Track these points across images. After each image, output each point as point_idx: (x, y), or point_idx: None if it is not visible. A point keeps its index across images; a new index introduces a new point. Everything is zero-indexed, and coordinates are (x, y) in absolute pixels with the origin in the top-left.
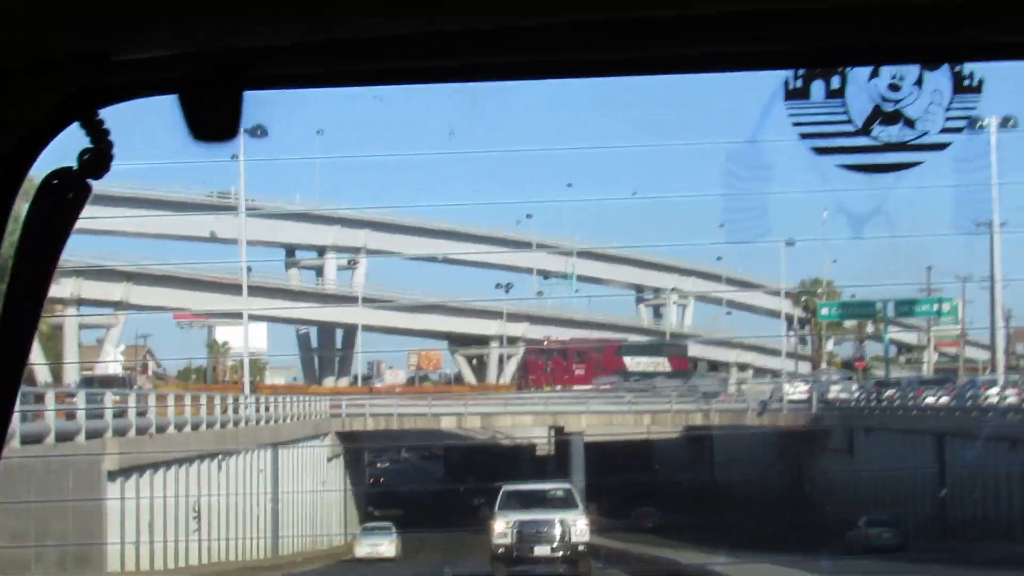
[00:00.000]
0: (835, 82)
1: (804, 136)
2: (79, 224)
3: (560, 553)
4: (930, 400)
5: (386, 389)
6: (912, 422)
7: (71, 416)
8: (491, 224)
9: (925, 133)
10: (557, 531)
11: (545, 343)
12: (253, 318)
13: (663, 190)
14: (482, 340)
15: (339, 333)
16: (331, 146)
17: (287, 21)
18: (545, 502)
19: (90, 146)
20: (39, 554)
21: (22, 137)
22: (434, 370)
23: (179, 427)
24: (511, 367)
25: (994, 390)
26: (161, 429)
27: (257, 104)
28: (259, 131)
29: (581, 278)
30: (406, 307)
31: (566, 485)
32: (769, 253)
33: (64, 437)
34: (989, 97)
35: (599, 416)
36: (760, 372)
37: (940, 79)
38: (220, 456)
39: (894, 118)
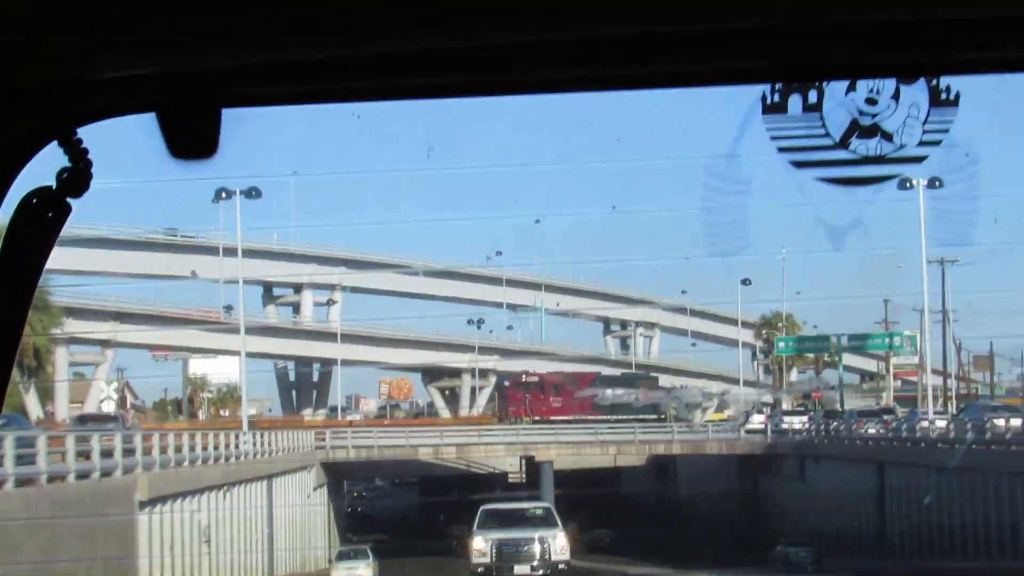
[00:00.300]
0: (812, 96)
1: (782, 150)
2: (68, 264)
3: (540, 572)
4: (872, 431)
5: (367, 423)
6: (855, 451)
7: (108, 453)
8: (463, 259)
9: (903, 146)
10: (536, 549)
11: (524, 376)
12: (243, 354)
13: (640, 206)
14: (454, 372)
15: (316, 367)
16: (309, 165)
17: (264, 42)
18: (524, 521)
19: (69, 165)
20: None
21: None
22: (405, 399)
23: (192, 462)
24: (483, 398)
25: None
26: (179, 463)
27: (235, 121)
28: (254, 192)
29: (549, 311)
30: (381, 341)
31: (545, 504)
32: (733, 285)
33: (105, 472)
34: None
35: (568, 447)
36: (726, 401)
37: (917, 93)
38: (225, 487)
39: (872, 131)
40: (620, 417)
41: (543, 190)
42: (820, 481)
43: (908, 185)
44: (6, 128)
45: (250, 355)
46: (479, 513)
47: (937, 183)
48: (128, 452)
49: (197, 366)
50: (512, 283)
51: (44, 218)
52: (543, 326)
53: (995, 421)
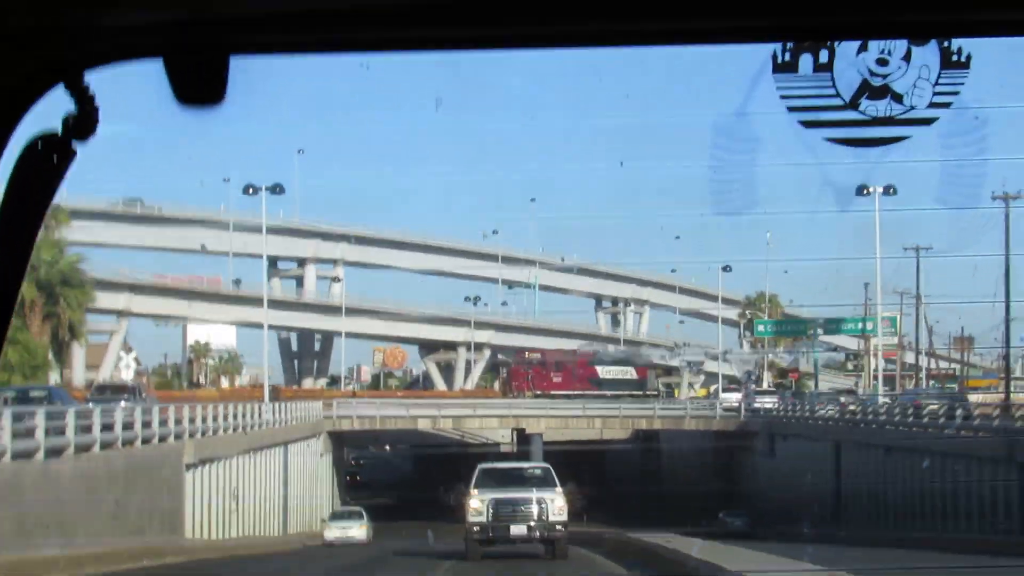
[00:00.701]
0: (823, 56)
1: (792, 109)
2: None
3: (537, 532)
4: (830, 411)
5: (369, 393)
6: (816, 431)
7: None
8: (462, 236)
9: (912, 108)
10: (534, 510)
11: (527, 354)
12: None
13: (646, 163)
14: (450, 346)
15: (317, 338)
16: (316, 117)
17: None
18: (522, 481)
19: (74, 111)
20: (150, 520)
21: (4, 100)
22: (398, 367)
23: (225, 430)
24: (477, 371)
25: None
26: (214, 432)
27: (242, 69)
28: (278, 189)
29: (543, 287)
30: (380, 314)
31: (544, 464)
32: (721, 263)
33: (162, 438)
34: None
35: (557, 420)
36: (711, 377)
37: (928, 54)
38: (250, 452)
39: (882, 92)
40: (615, 392)
41: (550, 145)
42: (786, 457)
43: (866, 192)
44: (12, 70)
45: (254, 325)
46: (476, 472)
47: (892, 190)
48: (176, 422)
49: (195, 332)
50: (508, 260)
51: (49, 162)
52: (536, 302)
53: (928, 405)
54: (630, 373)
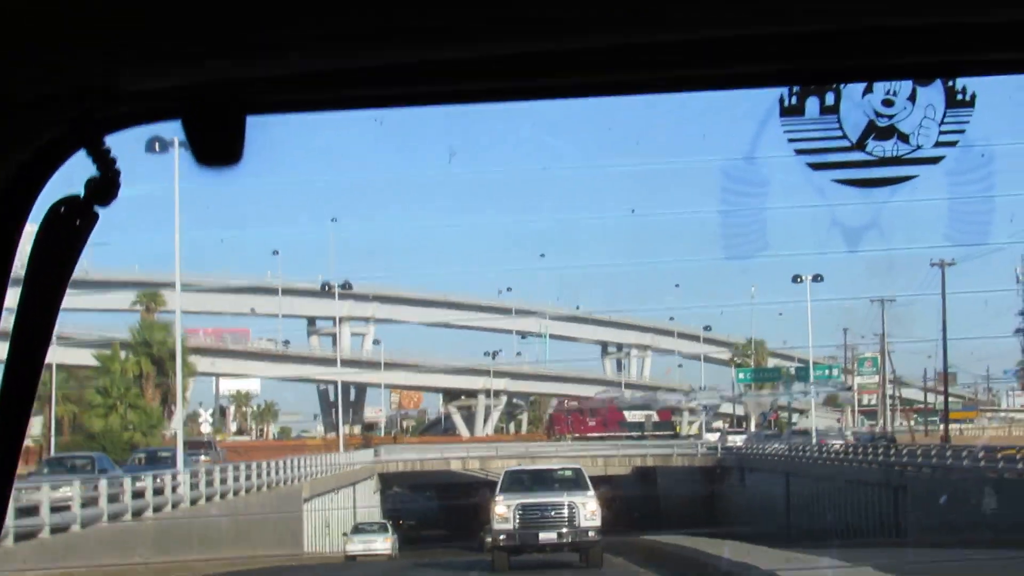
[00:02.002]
0: (829, 99)
1: (800, 152)
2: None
3: (568, 539)
4: (777, 447)
5: (409, 440)
6: (773, 465)
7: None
8: (478, 293)
9: (919, 147)
10: (565, 515)
11: (565, 403)
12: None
13: (657, 209)
14: (470, 393)
15: (352, 389)
16: (331, 170)
17: (288, 51)
18: (552, 483)
19: (96, 174)
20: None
21: (27, 166)
22: (415, 408)
23: (324, 471)
24: (495, 416)
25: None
26: (314, 476)
27: (260, 128)
28: (347, 285)
29: (553, 336)
30: (409, 367)
31: (575, 465)
32: (717, 310)
33: (288, 481)
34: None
35: (568, 459)
36: (712, 416)
37: (933, 94)
38: (334, 490)
39: (888, 133)
40: (642, 433)
41: (564, 193)
42: (753, 487)
43: (799, 280)
44: (35, 135)
45: (303, 379)
46: (502, 475)
47: (819, 278)
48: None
49: (226, 384)
50: (520, 312)
51: (72, 226)
52: (547, 350)
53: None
54: (653, 416)
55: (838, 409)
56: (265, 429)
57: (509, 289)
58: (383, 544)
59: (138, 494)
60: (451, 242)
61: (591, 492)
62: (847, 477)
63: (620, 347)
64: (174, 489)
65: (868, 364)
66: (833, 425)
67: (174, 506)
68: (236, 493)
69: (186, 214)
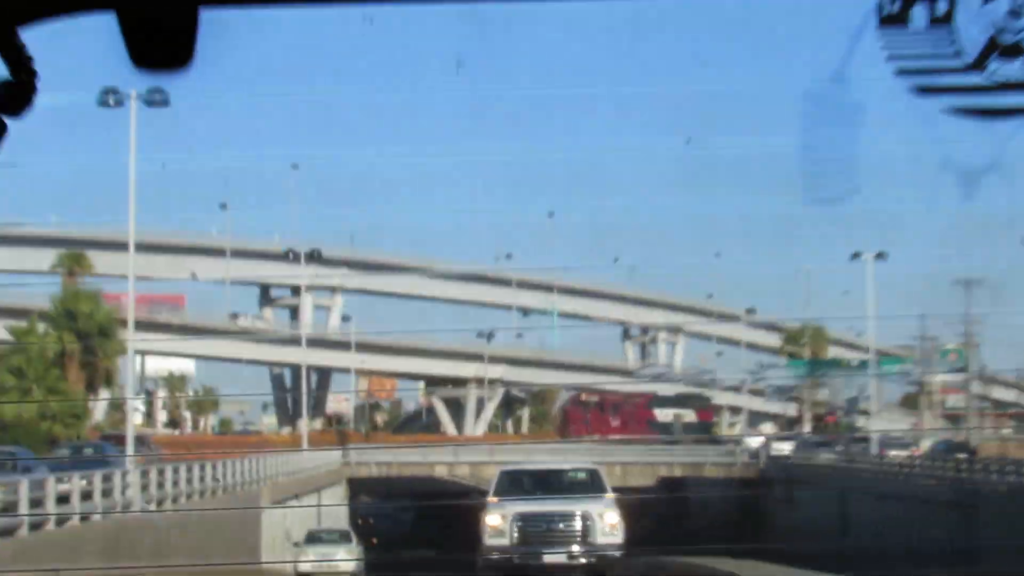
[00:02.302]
0: (941, 6)
1: (902, 73)
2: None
3: (581, 560)
4: (827, 457)
5: (385, 438)
6: (824, 478)
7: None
8: (471, 259)
9: None
10: (577, 528)
11: (583, 396)
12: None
13: (721, 139)
14: (459, 382)
15: (314, 374)
16: (303, 85)
17: None
18: (560, 488)
19: (7, 76)
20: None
21: None
22: (387, 397)
23: (284, 475)
24: (490, 409)
25: (895, 451)
26: (274, 478)
27: (215, 25)
28: (316, 253)
29: (563, 315)
30: (384, 349)
31: (590, 465)
32: (768, 285)
33: (248, 484)
34: None
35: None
36: (755, 416)
37: None
38: (295, 496)
39: (1014, 51)
40: (676, 437)
41: (594, 117)
42: (803, 505)
43: (858, 256)
44: None
45: (247, 361)
46: (496, 476)
47: (882, 255)
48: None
49: (154, 364)
50: (523, 285)
51: None
52: (555, 332)
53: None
54: (690, 416)
55: (914, 412)
56: (204, 421)
57: (509, 256)
58: (344, 557)
59: (62, 498)
60: (442, 189)
61: (611, 499)
62: (910, 494)
63: (645, 330)
64: (123, 491)
65: (952, 357)
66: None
67: (124, 510)
68: (189, 496)
69: (105, 135)
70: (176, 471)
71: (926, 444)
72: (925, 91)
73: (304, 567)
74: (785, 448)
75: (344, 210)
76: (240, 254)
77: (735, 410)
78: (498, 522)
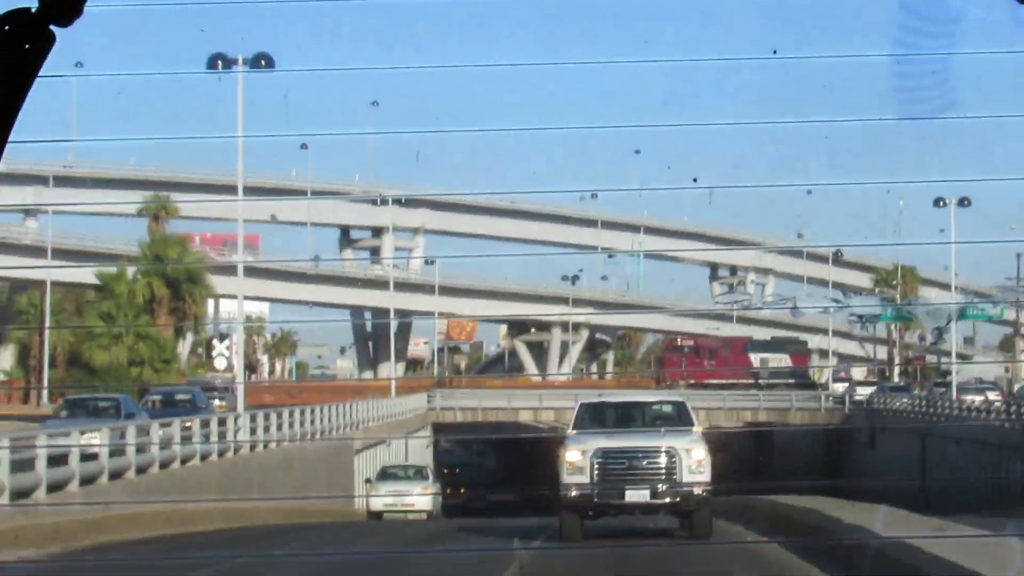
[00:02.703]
0: None
1: None
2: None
3: (666, 499)
4: (905, 402)
5: (470, 382)
6: (905, 422)
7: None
8: (554, 200)
9: None
10: (662, 465)
11: (679, 340)
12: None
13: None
14: (543, 325)
15: (396, 318)
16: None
17: None
18: (644, 421)
19: None
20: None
21: None
22: (467, 340)
23: (375, 420)
24: (575, 353)
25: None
26: (366, 423)
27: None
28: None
29: (649, 256)
30: (468, 292)
31: (677, 398)
32: (859, 222)
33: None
34: None
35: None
36: (845, 359)
37: None
38: (387, 442)
39: None
40: (773, 382)
41: (678, 30)
42: (884, 449)
43: (942, 203)
44: None
45: (325, 304)
46: (576, 408)
47: (966, 202)
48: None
49: (227, 306)
50: (608, 225)
51: (20, 48)
52: (640, 274)
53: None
54: (785, 360)
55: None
56: (283, 364)
57: (594, 196)
58: (421, 498)
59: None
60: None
61: (698, 434)
62: (982, 439)
63: (734, 270)
64: (236, 434)
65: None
66: (999, 375)
67: (235, 452)
68: (291, 441)
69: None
70: (279, 416)
71: (1017, 388)
72: None
73: (376, 504)
74: (866, 391)
75: (425, 148)
76: (320, 193)
77: (826, 354)
78: (577, 458)
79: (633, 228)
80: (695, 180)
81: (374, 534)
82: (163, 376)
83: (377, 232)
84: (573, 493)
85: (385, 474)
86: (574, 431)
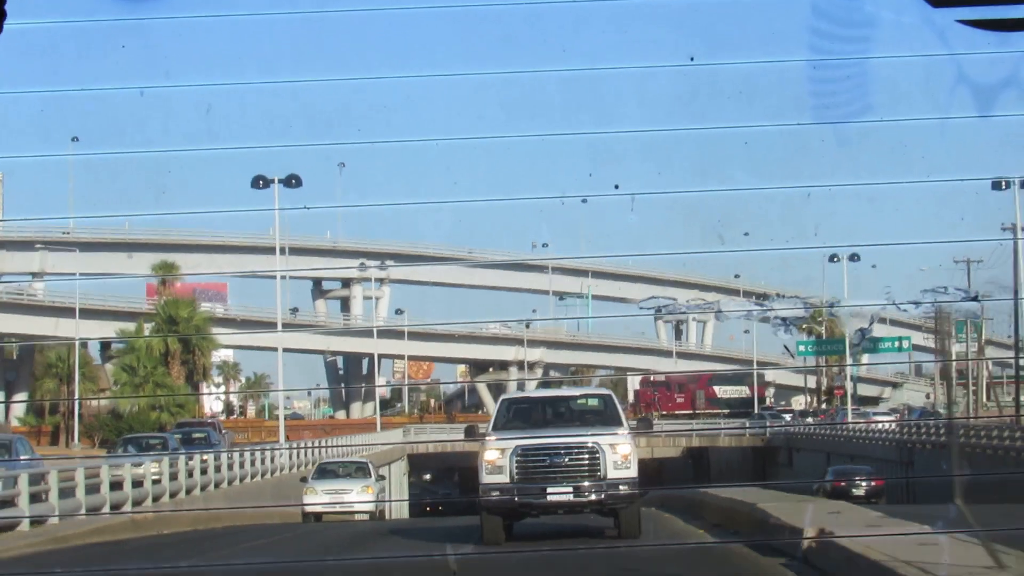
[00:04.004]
0: None
1: None
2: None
3: (590, 497)
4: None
5: (441, 418)
6: (814, 444)
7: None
8: (508, 248)
9: None
10: (585, 461)
11: (651, 378)
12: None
13: (726, 58)
14: (501, 365)
15: (364, 361)
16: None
17: None
18: (566, 417)
19: None
20: None
21: None
22: (424, 379)
23: (366, 450)
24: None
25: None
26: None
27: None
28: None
29: (596, 297)
30: (430, 336)
31: (603, 390)
32: (799, 263)
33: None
34: None
35: None
36: (782, 390)
37: None
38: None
39: None
40: (734, 411)
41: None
42: (800, 467)
43: (836, 260)
44: None
45: (302, 350)
46: (498, 405)
47: (856, 257)
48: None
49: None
50: (559, 271)
51: None
52: (589, 314)
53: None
54: (745, 392)
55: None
56: (254, 406)
57: (545, 245)
58: (360, 495)
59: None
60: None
61: (624, 430)
62: (873, 454)
63: (676, 311)
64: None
65: (968, 330)
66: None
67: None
68: (293, 468)
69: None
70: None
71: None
72: (939, 3)
73: (314, 505)
74: (786, 417)
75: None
76: (299, 251)
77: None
78: (496, 456)
79: (582, 273)
80: (616, 187)
81: (298, 538)
82: (177, 419)
83: (346, 283)
84: (493, 494)
85: (323, 471)
86: (493, 431)
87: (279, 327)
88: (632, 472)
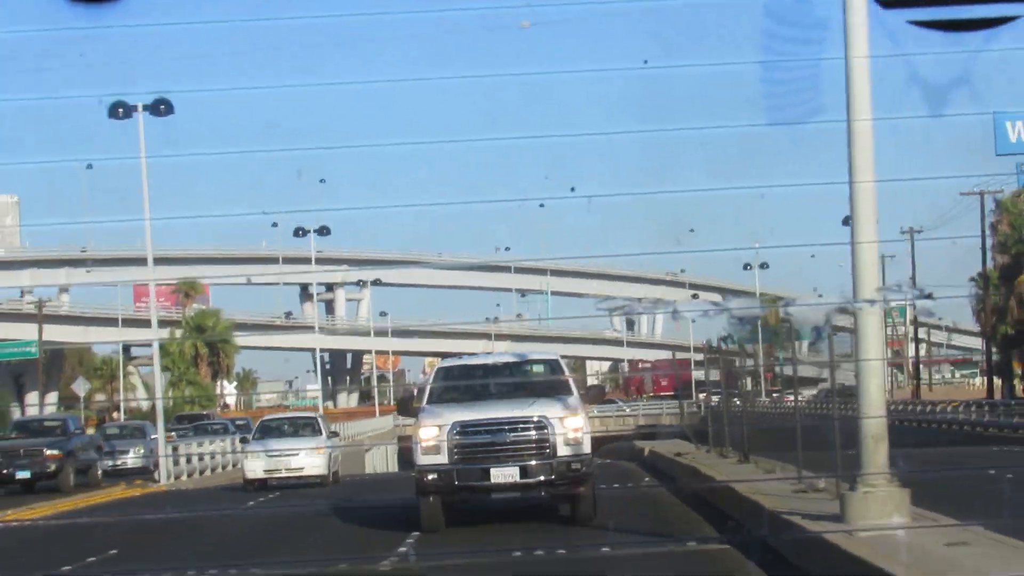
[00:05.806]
0: None
1: None
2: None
3: (539, 477)
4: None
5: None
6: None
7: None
8: (474, 251)
9: None
10: (532, 437)
11: (639, 364)
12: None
13: (681, 60)
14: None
15: (349, 357)
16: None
17: None
18: (510, 389)
19: None
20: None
21: None
22: (392, 369)
23: (369, 431)
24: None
25: None
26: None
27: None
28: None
29: (555, 293)
30: (406, 333)
31: (550, 356)
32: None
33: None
34: None
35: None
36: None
37: None
38: (371, 448)
39: None
40: (715, 391)
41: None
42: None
43: (748, 268)
44: None
45: (290, 349)
46: (433, 373)
47: (765, 265)
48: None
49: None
50: (520, 270)
51: None
52: (549, 310)
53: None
54: (717, 375)
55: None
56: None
57: (507, 249)
58: (311, 459)
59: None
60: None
61: (575, 401)
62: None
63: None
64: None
65: (895, 313)
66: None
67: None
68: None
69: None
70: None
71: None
72: (890, 4)
73: (255, 468)
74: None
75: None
76: (290, 260)
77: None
78: (432, 434)
79: (541, 271)
80: (572, 190)
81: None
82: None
83: (330, 287)
84: (430, 476)
85: (266, 429)
86: (428, 406)
87: (316, 329)
88: (585, 448)
